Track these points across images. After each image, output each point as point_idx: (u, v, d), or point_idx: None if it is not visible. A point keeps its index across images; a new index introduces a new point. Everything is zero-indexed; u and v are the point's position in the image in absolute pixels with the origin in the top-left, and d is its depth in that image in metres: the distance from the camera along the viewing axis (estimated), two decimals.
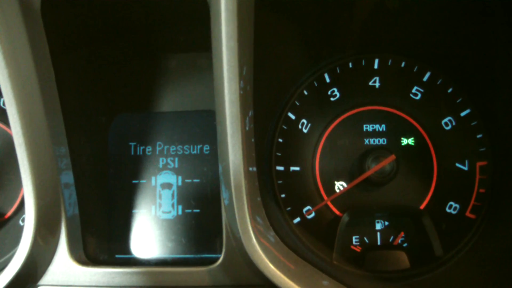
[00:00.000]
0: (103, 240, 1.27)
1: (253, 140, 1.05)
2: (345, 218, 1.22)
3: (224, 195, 1.08)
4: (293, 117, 1.30)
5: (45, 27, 1.03)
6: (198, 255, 1.26)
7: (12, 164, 1.31)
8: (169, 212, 1.29)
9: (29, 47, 0.99)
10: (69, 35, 1.16)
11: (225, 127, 0.94)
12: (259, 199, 1.12)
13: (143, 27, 1.25)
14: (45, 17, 1.03)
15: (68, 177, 1.16)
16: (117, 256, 1.28)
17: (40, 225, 1.04)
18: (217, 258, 1.11)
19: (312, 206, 1.27)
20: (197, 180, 1.30)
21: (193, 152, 1.31)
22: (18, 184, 1.30)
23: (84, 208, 1.21)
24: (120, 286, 1.11)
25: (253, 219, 1.01)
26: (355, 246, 1.26)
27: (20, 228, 1.27)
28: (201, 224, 1.28)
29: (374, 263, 1.22)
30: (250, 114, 1.02)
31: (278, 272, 0.99)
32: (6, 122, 1.31)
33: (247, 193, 0.98)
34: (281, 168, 1.29)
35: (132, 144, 1.32)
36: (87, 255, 1.20)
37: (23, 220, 1.28)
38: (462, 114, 1.27)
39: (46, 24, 1.03)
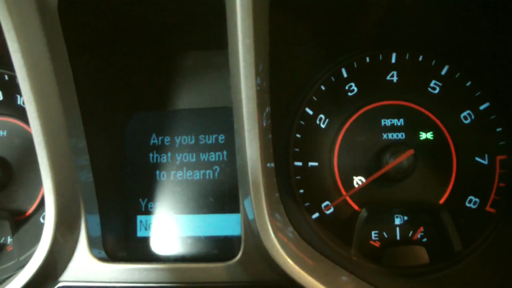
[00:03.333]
0: (122, 237, 1.28)
1: (270, 136, 1.05)
2: (364, 213, 1.22)
3: (241, 191, 1.08)
4: (310, 112, 1.29)
5: (62, 26, 1.04)
6: (217, 251, 1.26)
7: (32, 163, 1.33)
8: (188, 208, 1.30)
9: (47, 47, 1.00)
10: (86, 35, 1.17)
11: (242, 124, 0.95)
12: (277, 195, 1.12)
13: (159, 26, 1.26)
14: (62, 17, 1.03)
15: (86, 175, 1.17)
16: (136, 252, 1.29)
17: (60, 222, 1.05)
18: (236, 254, 1.12)
19: (331, 202, 1.27)
20: (216, 177, 1.30)
21: (210, 149, 1.31)
22: (39, 182, 1.32)
23: (103, 205, 1.22)
24: (139, 282, 1.12)
25: (271, 215, 1.01)
26: (374, 241, 1.26)
27: (41, 226, 1.28)
28: (219, 220, 1.28)
29: (393, 259, 1.21)
30: (267, 110, 1.02)
31: (297, 268, 0.99)
32: (25, 120, 1.33)
33: (264, 189, 0.99)
34: (299, 163, 1.29)
35: (150, 141, 1.33)
36: (106, 251, 1.20)
37: (43, 218, 1.30)
38: (481, 107, 1.25)
39: (63, 23, 1.04)
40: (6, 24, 0.90)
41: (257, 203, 0.99)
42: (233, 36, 0.91)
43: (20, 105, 1.37)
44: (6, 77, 1.38)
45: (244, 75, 0.91)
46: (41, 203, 1.32)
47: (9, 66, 1.22)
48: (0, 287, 1.07)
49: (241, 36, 0.88)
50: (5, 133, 1.37)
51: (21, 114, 1.37)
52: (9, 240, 1.33)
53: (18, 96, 1.38)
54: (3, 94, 1.39)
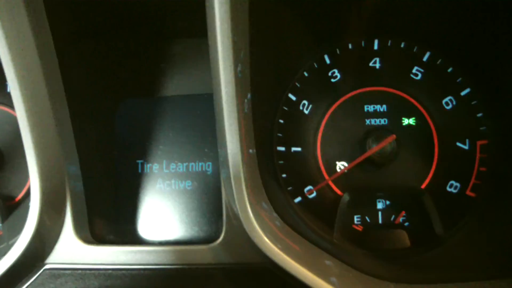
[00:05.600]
0: (108, 220, 1.30)
1: (251, 122, 1.07)
2: (346, 197, 1.24)
3: (223, 175, 1.10)
4: (294, 98, 1.31)
5: (47, 12, 1.06)
6: (201, 234, 1.29)
7: (20, 148, 1.34)
8: (173, 192, 1.32)
9: (32, 32, 1.01)
10: (72, 21, 1.19)
11: (222, 109, 0.96)
12: (259, 179, 1.13)
13: (147, 12, 1.27)
14: (48, 3, 1.05)
15: (73, 160, 1.19)
16: (122, 235, 1.31)
17: (46, 204, 1.07)
18: (219, 237, 1.14)
19: (313, 186, 1.29)
20: (201, 163, 1.32)
21: (198, 134, 1.33)
22: (27, 168, 1.34)
23: (90, 188, 1.23)
24: (124, 264, 1.13)
25: (252, 198, 1.03)
26: (357, 225, 1.28)
27: None
28: (204, 203, 1.30)
29: (375, 242, 1.24)
30: (248, 96, 1.03)
31: (277, 250, 1.01)
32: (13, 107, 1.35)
33: (245, 173, 1.00)
34: (282, 148, 1.31)
35: (138, 128, 1.35)
36: (93, 234, 1.22)
37: None
38: (462, 93, 1.27)
39: (48, 9, 1.06)
40: None
41: (237, 187, 1.00)
42: (211, 21, 0.92)
43: (9, 92, 1.39)
44: None
45: (222, 60, 0.92)
46: (30, 189, 1.34)
47: None
48: None
49: (218, 21, 0.89)
50: None
51: (10, 101, 1.38)
52: (0, 225, 1.35)
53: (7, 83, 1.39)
54: None
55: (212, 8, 0.90)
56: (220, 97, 0.96)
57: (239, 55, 0.95)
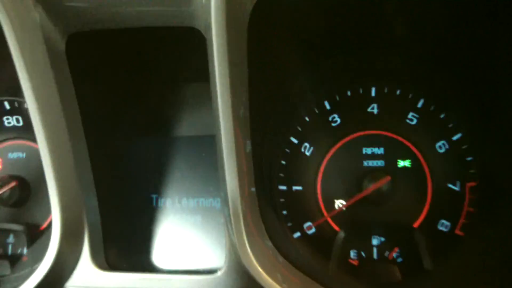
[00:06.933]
0: (123, 249, 1.40)
1: (252, 162, 1.14)
2: (341, 234, 1.30)
3: (224, 212, 1.17)
4: (295, 141, 1.40)
5: (69, 66, 1.18)
6: (207, 265, 1.37)
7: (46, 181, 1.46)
8: (184, 225, 1.43)
9: (55, 82, 1.13)
10: (91, 69, 1.30)
11: (222, 150, 1.04)
12: (259, 216, 1.19)
13: (161, 59, 1.40)
14: (69, 58, 1.18)
15: (91, 194, 1.31)
16: (135, 263, 1.40)
17: (65, 234, 1.17)
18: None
19: (313, 222, 1.36)
20: (210, 198, 1.42)
21: (207, 172, 1.44)
22: None
23: (106, 219, 1.34)
24: None
25: (251, 233, 1.10)
26: (353, 259, 1.35)
27: None
28: (211, 236, 1.41)
29: (369, 276, 1.30)
30: (249, 138, 1.11)
31: (272, 282, 1.08)
32: None
33: (243, 210, 1.07)
34: (283, 187, 1.39)
35: (150, 166, 1.46)
36: (108, 261, 1.32)
37: None
38: (454, 138, 1.34)
39: (70, 63, 1.18)
40: (19, 65, 1.04)
41: (236, 223, 1.08)
42: (212, 68, 1.00)
43: None
44: (26, 105, 1.53)
45: (221, 104, 0.99)
46: None
47: None
48: None
49: (217, 65, 0.96)
50: (24, 155, 1.52)
51: None
52: (25, 251, 1.47)
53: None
54: (23, 120, 1.55)
55: (212, 54, 0.97)
56: (220, 139, 1.03)
57: (241, 98, 1.02)
